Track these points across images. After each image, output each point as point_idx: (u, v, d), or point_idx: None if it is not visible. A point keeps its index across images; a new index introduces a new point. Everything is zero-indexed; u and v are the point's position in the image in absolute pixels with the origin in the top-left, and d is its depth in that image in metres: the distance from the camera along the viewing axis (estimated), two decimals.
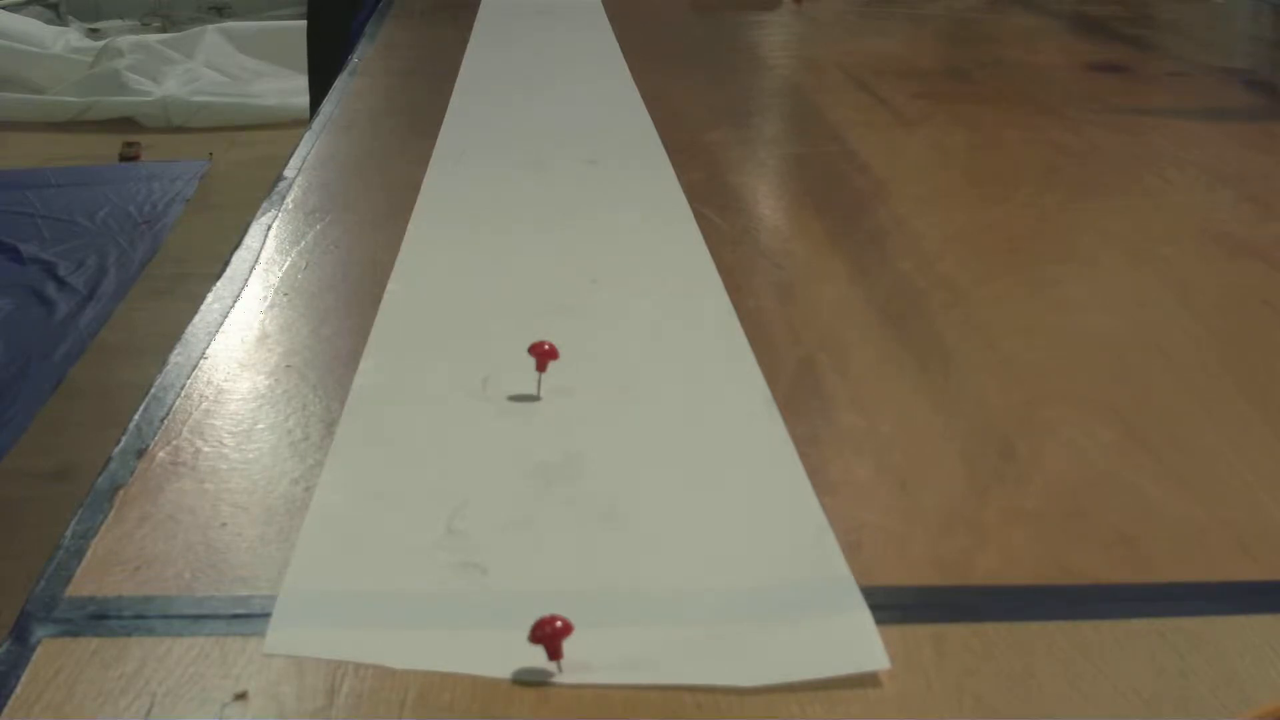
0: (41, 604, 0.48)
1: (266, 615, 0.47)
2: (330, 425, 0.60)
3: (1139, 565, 0.52)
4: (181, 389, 0.64)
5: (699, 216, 0.89)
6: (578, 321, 0.72)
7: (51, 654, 0.45)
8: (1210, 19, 1.81)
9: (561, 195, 0.94)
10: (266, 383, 0.65)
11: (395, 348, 0.69)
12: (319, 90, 2.03)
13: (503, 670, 0.44)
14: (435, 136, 1.06)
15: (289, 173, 0.98)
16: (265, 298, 0.75)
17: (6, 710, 0.42)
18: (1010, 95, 1.30)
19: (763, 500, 0.55)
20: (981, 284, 0.80)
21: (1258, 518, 0.55)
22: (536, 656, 0.44)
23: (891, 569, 0.51)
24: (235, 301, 0.74)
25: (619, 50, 1.42)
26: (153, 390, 0.64)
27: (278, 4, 4.61)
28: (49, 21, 4.35)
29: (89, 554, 0.51)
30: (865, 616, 0.47)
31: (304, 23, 2.39)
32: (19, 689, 0.43)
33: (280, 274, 0.79)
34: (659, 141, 1.07)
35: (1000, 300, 0.78)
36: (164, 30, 4.40)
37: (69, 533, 0.52)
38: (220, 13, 4.59)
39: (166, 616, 0.47)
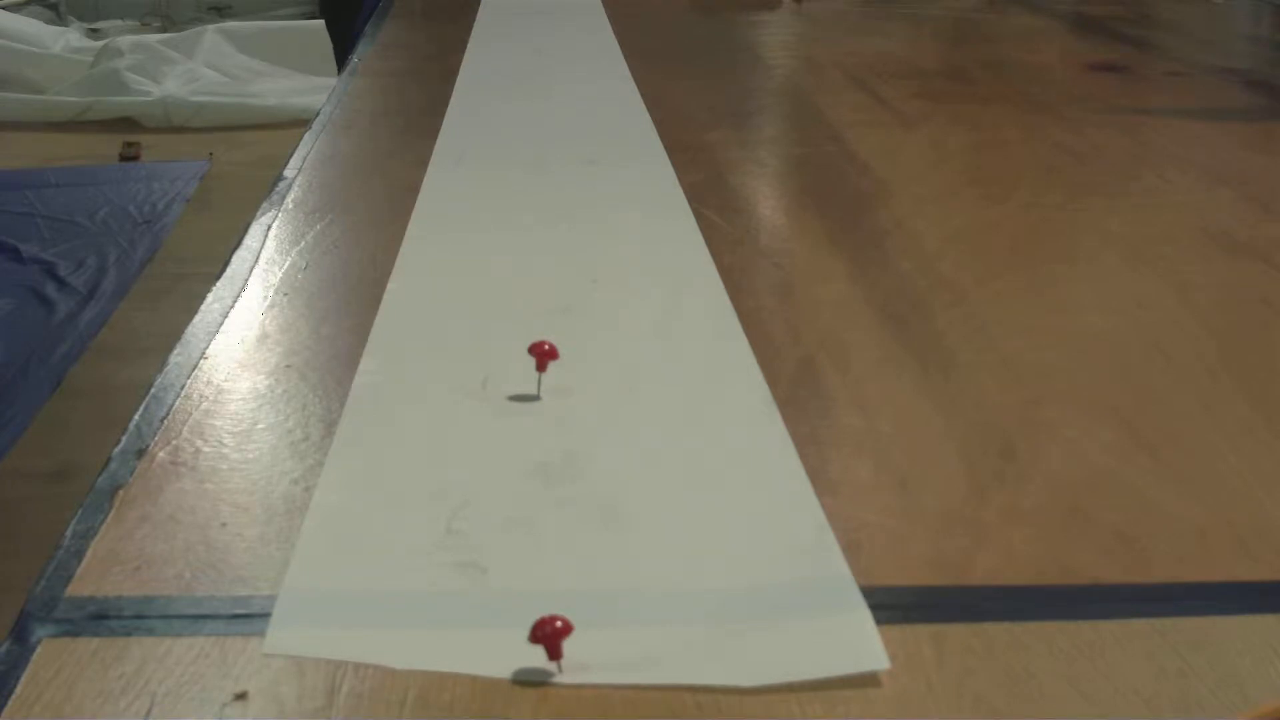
0: (41, 604, 0.48)
1: (266, 615, 0.47)
2: (330, 425, 0.60)
3: (1139, 565, 0.52)
4: (181, 389, 0.64)
5: (699, 216, 0.89)
6: (578, 321, 0.72)
7: (51, 654, 0.45)
8: (1210, 19, 1.81)
9: (561, 195, 0.94)
10: (266, 383, 0.65)
11: (395, 348, 0.69)
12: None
13: (503, 670, 0.44)
14: (435, 137, 1.06)
15: (289, 173, 0.98)
16: (265, 298, 0.75)
17: (6, 710, 0.42)
18: (1010, 95, 1.30)
19: (763, 500, 0.55)
20: (982, 284, 0.80)
21: (1258, 518, 0.55)
22: (536, 656, 0.44)
23: (891, 569, 0.51)
24: (235, 301, 0.74)
25: (619, 50, 1.42)
26: (153, 390, 0.64)
27: (278, 4, 4.61)
28: (49, 21, 4.36)
29: (89, 554, 0.51)
30: (865, 616, 0.47)
31: (304, 23, 2.39)
32: (19, 689, 0.43)
33: (280, 274, 0.79)
34: (659, 141, 1.07)
35: (1000, 300, 0.78)
36: (164, 30, 4.40)
37: (69, 533, 0.52)
38: (220, 13, 4.60)
39: (166, 616, 0.47)
